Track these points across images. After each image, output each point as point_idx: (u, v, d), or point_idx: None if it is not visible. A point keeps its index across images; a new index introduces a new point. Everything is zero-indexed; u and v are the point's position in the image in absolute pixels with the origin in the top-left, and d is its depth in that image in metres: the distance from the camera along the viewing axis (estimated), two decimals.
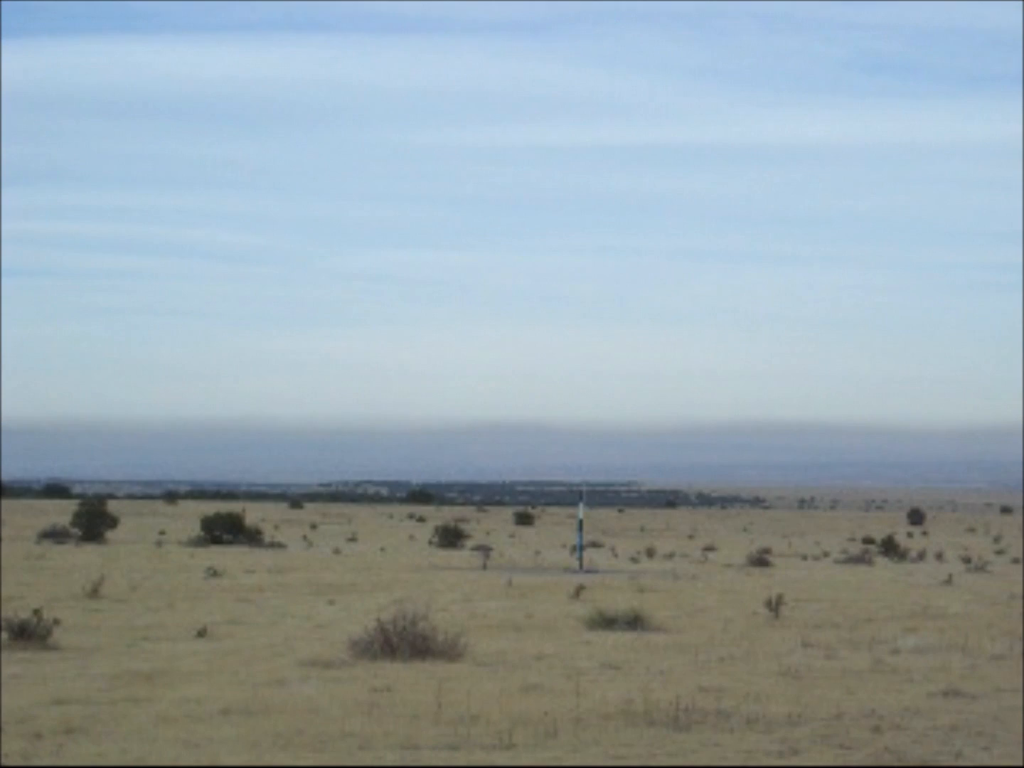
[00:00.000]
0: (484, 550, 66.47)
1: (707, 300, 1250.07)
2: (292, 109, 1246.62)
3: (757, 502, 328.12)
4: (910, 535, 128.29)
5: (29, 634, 20.31)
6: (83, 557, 48.69)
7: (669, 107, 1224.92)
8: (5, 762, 12.14)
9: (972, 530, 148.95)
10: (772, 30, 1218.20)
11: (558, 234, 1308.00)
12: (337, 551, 63.67)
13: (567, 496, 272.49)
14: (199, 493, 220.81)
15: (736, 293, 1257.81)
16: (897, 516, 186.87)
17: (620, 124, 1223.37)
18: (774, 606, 27.03)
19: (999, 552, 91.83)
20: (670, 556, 71.37)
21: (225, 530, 69.02)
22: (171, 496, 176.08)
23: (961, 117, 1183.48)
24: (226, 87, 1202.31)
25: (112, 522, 73.09)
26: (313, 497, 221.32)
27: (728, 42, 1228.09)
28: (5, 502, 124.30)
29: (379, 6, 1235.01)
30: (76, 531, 69.20)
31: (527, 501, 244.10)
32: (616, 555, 70.88)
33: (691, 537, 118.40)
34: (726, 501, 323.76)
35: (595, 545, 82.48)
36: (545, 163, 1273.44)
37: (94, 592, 30.07)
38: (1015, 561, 72.18)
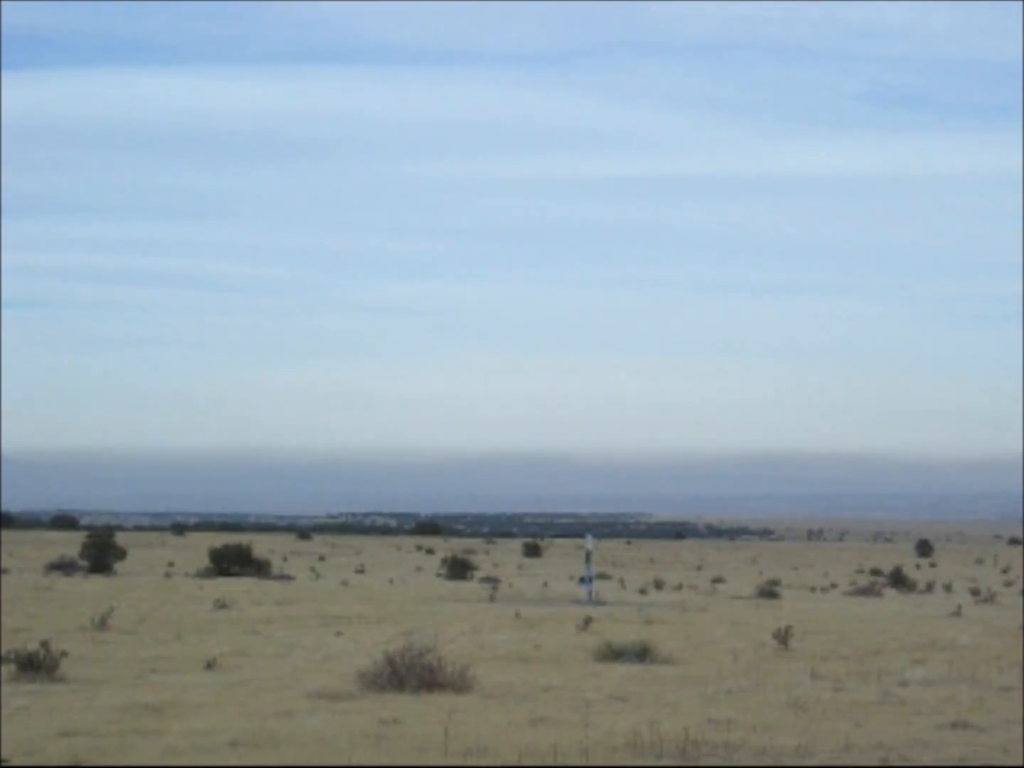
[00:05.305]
0: (492, 582, 66.42)
1: (715, 332, 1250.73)
2: (304, 140, 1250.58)
3: (766, 534, 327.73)
4: (918, 567, 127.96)
5: (36, 666, 20.27)
6: (91, 589, 48.61)
7: (685, 140, 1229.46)
8: None
9: (980, 561, 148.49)
10: (787, 63, 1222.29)
11: (568, 266, 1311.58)
12: (345, 583, 63.57)
13: (575, 527, 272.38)
14: (207, 524, 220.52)
15: (744, 325, 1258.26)
16: (905, 548, 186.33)
17: (637, 156, 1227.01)
18: (783, 638, 26.97)
19: (1007, 583, 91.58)
20: (678, 588, 71.25)
21: (233, 562, 68.83)
22: (179, 527, 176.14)
23: (975, 149, 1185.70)
24: (236, 119, 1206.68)
25: (120, 553, 73.09)
26: (321, 528, 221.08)
27: (744, 75, 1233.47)
28: (14, 534, 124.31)
29: (392, 39, 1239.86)
30: (84, 562, 69.12)
31: (535, 532, 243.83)
32: (624, 587, 70.75)
33: (699, 569, 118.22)
34: (734, 533, 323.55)
35: (603, 577, 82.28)
36: (561, 195, 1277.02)
37: (102, 624, 30.01)
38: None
